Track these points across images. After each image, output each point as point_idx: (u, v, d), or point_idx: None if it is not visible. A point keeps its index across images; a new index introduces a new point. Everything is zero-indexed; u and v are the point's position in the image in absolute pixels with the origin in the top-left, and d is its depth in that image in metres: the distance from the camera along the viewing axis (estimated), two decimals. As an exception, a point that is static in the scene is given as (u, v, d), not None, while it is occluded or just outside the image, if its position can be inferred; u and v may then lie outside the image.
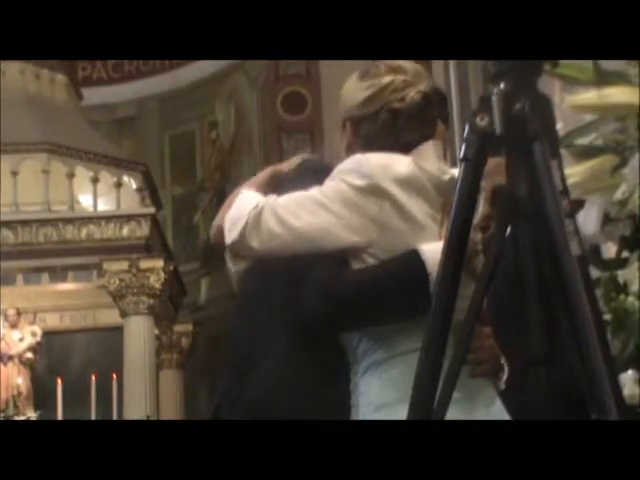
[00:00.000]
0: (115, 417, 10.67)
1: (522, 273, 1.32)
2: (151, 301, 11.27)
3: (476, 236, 1.89)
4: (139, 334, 11.16)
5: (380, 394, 1.95)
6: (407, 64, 2.12)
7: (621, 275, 2.32)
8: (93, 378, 10.75)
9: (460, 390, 1.77)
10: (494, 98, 1.36)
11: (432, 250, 1.88)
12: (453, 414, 1.38)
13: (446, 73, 7.97)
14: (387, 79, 2.09)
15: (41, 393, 11.42)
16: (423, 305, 1.41)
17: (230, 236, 2.04)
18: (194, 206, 14.53)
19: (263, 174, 2.23)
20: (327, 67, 11.91)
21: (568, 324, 1.29)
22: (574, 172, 2.35)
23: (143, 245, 11.33)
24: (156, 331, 11.79)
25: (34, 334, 11.75)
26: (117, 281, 11.16)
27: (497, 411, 1.96)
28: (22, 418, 10.77)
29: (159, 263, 11.36)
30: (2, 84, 11.71)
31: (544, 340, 1.31)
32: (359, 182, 1.98)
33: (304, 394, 2.01)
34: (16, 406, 11.13)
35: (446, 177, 2.01)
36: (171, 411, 12.15)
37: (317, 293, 1.97)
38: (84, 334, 12.36)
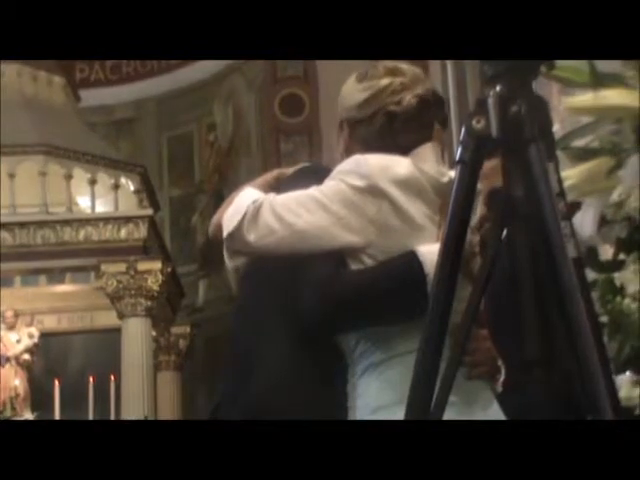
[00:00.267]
0: (113, 419, 10.65)
1: (518, 275, 1.33)
2: (149, 303, 11.26)
3: (474, 238, 1.90)
4: (137, 336, 11.15)
5: (378, 396, 1.95)
6: (405, 66, 2.12)
7: (618, 277, 2.32)
8: (91, 380, 10.74)
9: (457, 393, 1.78)
10: (490, 101, 1.36)
11: (430, 251, 1.88)
12: (450, 417, 1.38)
13: (444, 75, 7.97)
14: (385, 81, 2.09)
15: (38, 395, 11.41)
16: (421, 306, 1.42)
17: (227, 228, 2.04)
18: (192, 208, 14.52)
19: (268, 175, 2.24)
20: (325, 69, 11.91)
21: (564, 326, 1.30)
22: (570, 174, 2.36)
23: (141, 247, 11.32)
24: (154, 333, 11.78)
25: (31, 336, 11.74)
26: (115, 283, 11.15)
27: (494, 414, 1.96)
28: (19, 420, 10.75)
29: (157, 265, 11.35)
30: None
31: (540, 342, 1.31)
32: (358, 182, 1.98)
33: (302, 395, 2.01)
34: (13, 408, 11.13)
35: (444, 179, 2.01)
36: (169, 413, 12.13)
37: (315, 294, 1.97)
38: (82, 336, 12.35)
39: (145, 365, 11.11)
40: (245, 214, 2.02)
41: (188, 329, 13.04)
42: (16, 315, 11.70)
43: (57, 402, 10.62)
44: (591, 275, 2.33)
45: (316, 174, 2.13)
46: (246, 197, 2.07)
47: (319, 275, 1.99)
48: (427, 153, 2.06)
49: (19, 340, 11.68)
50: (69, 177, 11.31)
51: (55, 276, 12.06)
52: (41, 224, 11.15)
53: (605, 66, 2.31)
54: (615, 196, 2.30)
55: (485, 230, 1.87)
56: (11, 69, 11.96)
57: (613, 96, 2.28)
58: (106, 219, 11.29)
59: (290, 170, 2.27)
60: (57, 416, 10.53)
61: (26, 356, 11.67)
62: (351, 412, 2.00)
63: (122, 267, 11.13)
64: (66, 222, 11.20)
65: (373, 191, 1.98)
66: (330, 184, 2.02)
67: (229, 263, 2.15)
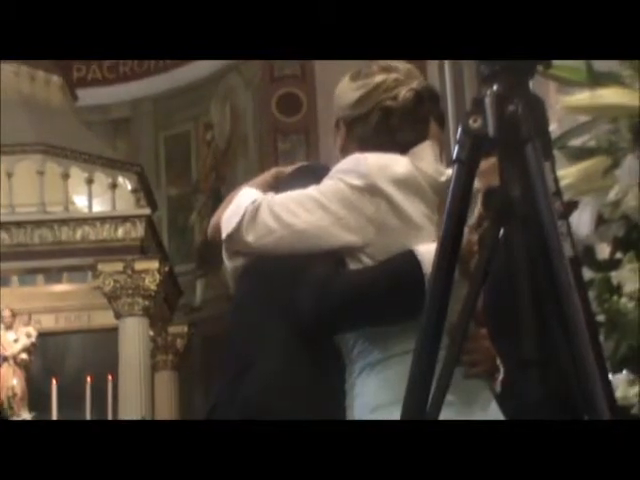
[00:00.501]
0: (110, 418, 10.65)
1: (515, 274, 1.33)
2: (146, 302, 11.26)
3: (472, 237, 1.90)
4: (134, 335, 11.14)
5: (375, 395, 1.95)
6: (399, 63, 2.12)
7: (614, 276, 2.32)
8: (88, 379, 10.73)
9: (456, 392, 1.78)
10: (487, 100, 1.36)
11: (428, 251, 1.88)
12: (449, 416, 1.38)
13: (441, 74, 7.97)
14: (379, 78, 2.09)
15: (36, 394, 11.40)
16: (419, 306, 1.42)
17: (226, 229, 2.05)
18: (189, 207, 14.51)
19: (267, 174, 2.24)
20: (322, 68, 11.90)
21: (561, 325, 1.30)
22: (567, 173, 2.36)
23: (138, 246, 11.32)
24: (151, 332, 11.77)
25: (29, 335, 11.73)
26: (112, 282, 11.15)
27: (493, 413, 1.96)
28: (17, 419, 10.75)
29: (154, 264, 11.35)
30: (-3, 86, 11.70)
31: (537, 341, 1.31)
32: (356, 182, 1.98)
33: (300, 395, 2.01)
34: (11, 407, 11.12)
35: (443, 178, 2.01)
36: (166, 412, 12.13)
37: (314, 293, 1.97)
38: (79, 335, 12.34)
39: (142, 365, 11.11)
40: (244, 215, 2.02)
41: (185, 328, 13.04)
42: (13, 314, 11.69)
43: (54, 401, 10.62)
44: (588, 274, 2.33)
45: (314, 173, 2.13)
46: (245, 197, 2.07)
47: (318, 275, 1.99)
48: (425, 152, 2.06)
49: (17, 340, 11.67)
50: (66, 176, 11.31)
51: (52, 275, 12.05)
52: (38, 223, 11.15)
53: (602, 65, 2.32)
54: (612, 195, 2.30)
55: (483, 229, 1.87)
56: (8, 69, 11.94)
57: (610, 95, 2.28)
58: (103, 218, 11.29)
59: (289, 169, 2.27)
60: (54, 415, 10.53)
61: (24, 355, 11.67)
62: (349, 411, 1.99)
63: (119, 266, 11.13)
64: (63, 221, 11.19)
65: (371, 190, 1.98)
66: (328, 183, 2.02)
67: (228, 264, 2.15)
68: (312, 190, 2.02)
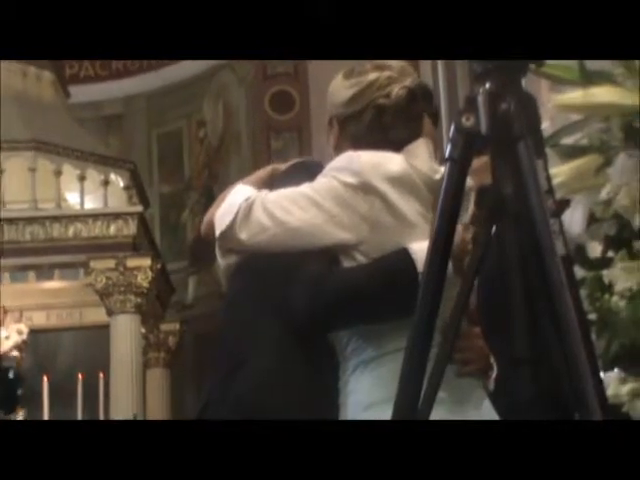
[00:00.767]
0: (102, 416, 10.64)
1: (507, 272, 1.33)
2: (138, 300, 11.24)
3: (466, 235, 1.90)
4: (126, 333, 11.13)
5: (369, 393, 1.95)
6: (392, 61, 2.12)
7: (606, 275, 2.32)
8: (80, 377, 10.71)
9: (449, 391, 1.78)
10: (480, 98, 1.36)
11: (422, 249, 1.88)
12: (442, 415, 1.38)
13: (434, 72, 7.98)
14: (372, 76, 2.09)
15: (27, 391, 11.38)
16: (413, 304, 1.41)
17: (220, 226, 2.04)
18: (182, 204, 14.50)
19: (262, 172, 2.24)
20: (315, 66, 11.90)
21: (553, 323, 1.30)
22: (559, 172, 2.36)
23: (130, 243, 11.30)
24: (143, 330, 11.76)
25: (20, 332, 11.71)
26: (104, 279, 11.13)
27: (486, 411, 1.96)
28: (4, 420, 10.72)
29: (146, 261, 11.33)
30: (-11, 82, 11.67)
31: (529, 339, 1.31)
32: (350, 179, 1.98)
33: (293, 393, 2.00)
34: (2, 404, 11.09)
35: (437, 176, 2.01)
36: (158, 410, 12.12)
37: (307, 291, 1.97)
38: (70, 333, 12.32)
39: (134, 362, 11.09)
40: (237, 212, 2.02)
41: (178, 326, 13.03)
42: (5, 311, 11.66)
43: (46, 399, 10.60)
44: (579, 273, 2.33)
45: (308, 170, 2.13)
46: (238, 195, 2.07)
47: (311, 272, 1.99)
48: (420, 150, 2.06)
49: (8, 337, 11.64)
50: (58, 173, 11.29)
51: (44, 272, 12.02)
52: (30, 220, 11.12)
53: (594, 64, 2.32)
54: (604, 194, 2.30)
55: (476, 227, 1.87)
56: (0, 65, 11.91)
57: (602, 94, 2.28)
58: (95, 215, 11.27)
59: (284, 166, 2.27)
60: (46, 413, 10.51)
61: (15, 353, 11.65)
62: (342, 409, 2.00)
63: (111, 264, 11.11)
64: (55, 218, 11.17)
65: (365, 188, 1.98)
66: (322, 181, 2.02)
67: (221, 261, 2.15)
68: (306, 188, 2.02)
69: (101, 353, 11.14)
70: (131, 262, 11.19)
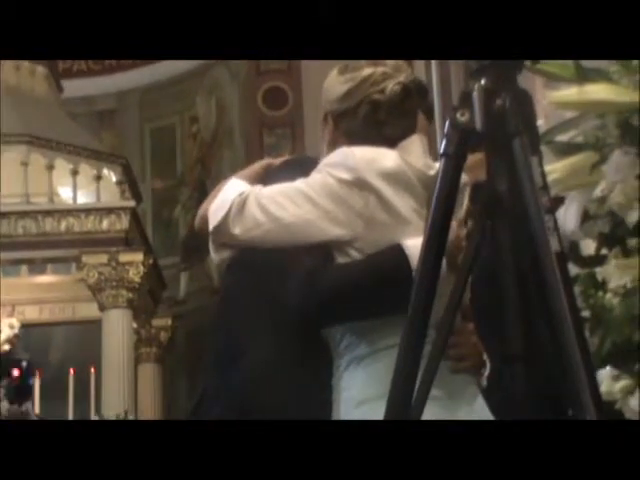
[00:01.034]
0: (93, 411, 10.64)
1: (501, 269, 1.33)
2: (130, 295, 11.25)
3: (460, 232, 1.90)
4: (118, 327, 11.13)
5: (363, 389, 1.95)
6: None
7: (600, 272, 2.32)
8: (71, 372, 10.71)
9: (442, 387, 1.78)
10: (475, 94, 1.36)
11: (416, 245, 1.87)
12: (435, 412, 1.38)
13: (428, 68, 7.97)
14: (366, 72, 2.09)
15: (19, 386, 11.36)
16: (407, 300, 1.41)
17: (213, 221, 2.04)
18: (174, 200, 14.50)
19: (256, 165, 2.23)
20: (308, 63, 11.89)
21: (547, 320, 1.30)
22: (554, 169, 2.35)
23: (123, 238, 11.31)
24: (135, 325, 11.76)
25: (12, 326, 11.69)
26: (96, 274, 11.13)
27: (479, 408, 1.96)
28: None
29: (139, 256, 11.34)
30: (-19, 76, 11.65)
31: (522, 336, 1.31)
32: (345, 175, 1.98)
33: (286, 388, 2.00)
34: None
35: (432, 172, 2.00)
36: (149, 405, 12.14)
37: (301, 287, 1.97)
38: (62, 327, 12.33)
39: (126, 357, 11.10)
40: (231, 207, 2.01)
41: (169, 321, 13.05)
42: (-3, 306, 11.65)
43: (37, 393, 10.59)
44: (573, 270, 2.33)
45: (303, 166, 2.12)
46: (232, 189, 2.06)
47: (305, 268, 1.99)
48: (414, 146, 2.06)
49: (-1, 331, 11.64)
50: (51, 168, 11.28)
51: (36, 267, 12.02)
52: (22, 214, 11.12)
53: (590, 61, 2.31)
54: (598, 191, 2.30)
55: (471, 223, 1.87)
56: (-7, 59, 11.89)
57: (597, 91, 2.28)
58: (88, 210, 11.27)
59: (278, 161, 2.26)
60: (37, 408, 10.50)
61: (6, 347, 11.63)
62: (335, 405, 1.99)
63: (103, 258, 11.12)
64: (48, 213, 11.17)
65: (360, 184, 1.97)
66: (317, 177, 2.01)
67: (215, 256, 2.14)
68: (300, 183, 2.02)
69: (93, 348, 11.14)
70: (123, 257, 11.20)
